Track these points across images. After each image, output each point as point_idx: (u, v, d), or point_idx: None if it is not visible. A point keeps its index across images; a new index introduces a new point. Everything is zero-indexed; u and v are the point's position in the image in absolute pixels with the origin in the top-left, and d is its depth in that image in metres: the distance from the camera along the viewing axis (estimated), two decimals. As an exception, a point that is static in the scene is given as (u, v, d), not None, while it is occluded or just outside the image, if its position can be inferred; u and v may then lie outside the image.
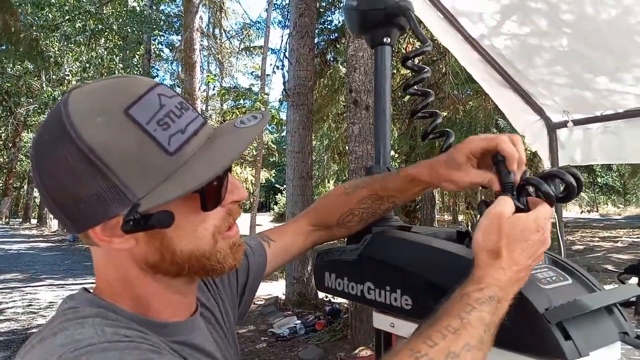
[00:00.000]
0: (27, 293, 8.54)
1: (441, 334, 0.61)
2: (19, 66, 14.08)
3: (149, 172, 0.60)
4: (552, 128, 2.53)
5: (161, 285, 0.68)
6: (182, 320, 0.73)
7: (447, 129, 1.01)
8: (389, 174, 0.97)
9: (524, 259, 0.70)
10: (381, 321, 0.95)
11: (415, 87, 1.07)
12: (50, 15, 11.84)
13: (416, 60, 1.09)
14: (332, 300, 6.88)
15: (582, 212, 28.19)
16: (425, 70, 1.04)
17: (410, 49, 7.59)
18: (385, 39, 1.09)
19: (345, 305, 6.18)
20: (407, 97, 8.65)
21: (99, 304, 0.65)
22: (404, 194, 0.95)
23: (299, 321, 6.22)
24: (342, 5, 8.95)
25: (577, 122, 2.42)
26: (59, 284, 9.28)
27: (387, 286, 0.91)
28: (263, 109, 7.84)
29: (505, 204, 0.72)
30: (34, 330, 6.39)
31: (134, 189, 0.59)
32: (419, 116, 1.07)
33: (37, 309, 7.46)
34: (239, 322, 0.96)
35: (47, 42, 12.38)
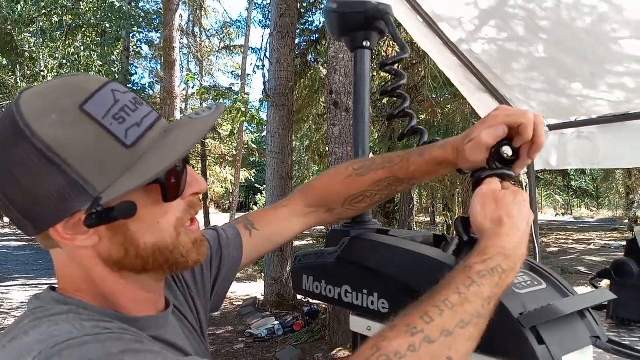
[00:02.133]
0: (-1, 293, 8.36)
1: (438, 309, 0.61)
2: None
3: (107, 166, 0.60)
4: (528, 132, 2.56)
5: (127, 282, 0.68)
6: (154, 315, 0.72)
7: (422, 127, 1.01)
8: (408, 154, 0.90)
9: (523, 224, 0.72)
10: (358, 324, 0.95)
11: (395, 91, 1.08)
12: (25, 9, 11.60)
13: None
14: (311, 301, 6.88)
15: (556, 214, 28.76)
16: (403, 75, 1.05)
17: (390, 52, 7.64)
18: (364, 43, 1.09)
19: (324, 306, 6.18)
20: (387, 99, 8.71)
21: (66, 301, 0.64)
22: (427, 176, 0.91)
23: (277, 322, 6.21)
24: (323, 6, 8.96)
25: (552, 127, 2.46)
26: (31, 284, 9.10)
27: (364, 289, 0.92)
28: (243, 109, 7.78)
29: (494, 183, 0.76)
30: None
31: (94, 183, 0.59)
32: (395, 117, 1.07)
33: (9, 309, 7.31)
34: (214, 312, 0.94)
35: (22, 37, 12.13)
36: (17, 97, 0.62)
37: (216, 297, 0.94)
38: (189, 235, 0.69)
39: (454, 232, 0.85)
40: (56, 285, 0.69)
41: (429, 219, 20.17)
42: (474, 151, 0.78)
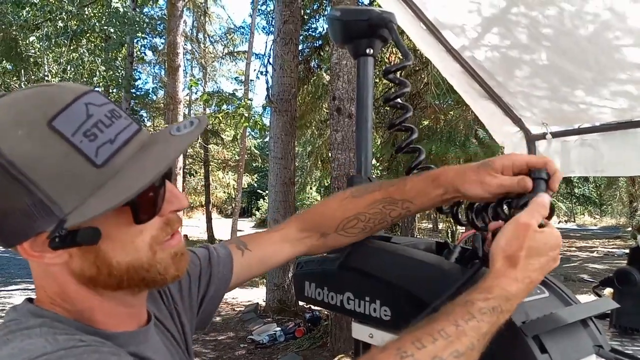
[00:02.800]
0: (0, 297, 8.35)
1: (432, 337, 0.60)
2: (-2, 66, 13.85)
3: (75, 186, 0.57)
4: (531, 140, 2.56)
5: (103, 297, 0.65)
6: (133, 331, 0.70)
7: (419, 147, 1.02)
8: (407, 177, 0.92)
9: (536, 274, 0.70)
10: (360, 331, 0.95)
11: (398, 99, 1.08)
12: (30, 14, 11.66)
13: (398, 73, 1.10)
14: (313, 307, 6.87)
15: (559, 222, 28.67)
16: (406, 84, 1.05)
17: (393, 59, 7.66)
18: (367, 50, 1.10)
19: (326, 312, 6.17)
20: (390, 107, 8.70)
21: (42, 314, 0.62)
22: (422, 198, 0.88)
23: (279, 328, 6.19)
24: (326, 13, 8.99)
25: (555, 135, 2.46)
26: (33, 288, 9.09)
27: (366, 297, 0.91)
28: (246, 114, 7.80)
29: (534, 215, 0.71)
30: (6, 336, 6.24)
31: (61, 203, 0.57)
32: (397, 129, 1.07)
33: (11, 314, 7.30)
34: (200, 330, 0.93)
35: (27, 42, 12.19)
36: None
37: (203, 314, 0.92)
38: (167, 251, 0.67)
39: (458, 239, 0.85)
40: (34, 297, 0.67)
41: (432, 226, 20.13)
42: (485, 167, 0.80)
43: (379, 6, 1.99)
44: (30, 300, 0.67)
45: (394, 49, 7.68)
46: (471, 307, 0.64)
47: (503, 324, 0.66)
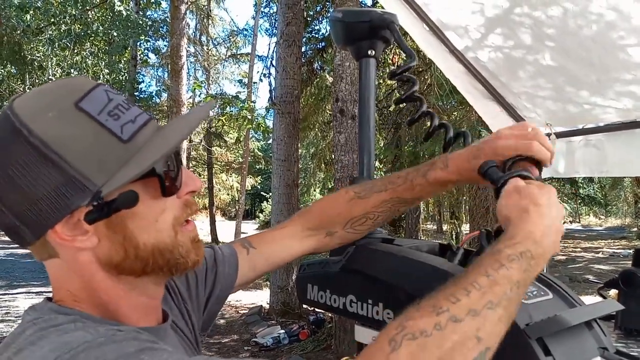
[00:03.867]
0: (4, 301, 8.38)
1: (465, 290, 0.60)
2: (2, 70, 13.91)
3: (105, 161, 0.60)
4: (535, 140, 2.55)
5: (127, 287, 0.67)
6: (155, 327, 0.72)
7: (430, 110, 1.00)
8: (410, 175, 0.92)
9: (553, 211, 0.71)
10: (363, 334, 0.95)
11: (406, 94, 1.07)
12: (34, 19, 11.72)
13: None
14: (317, 309, 6.86)
15: (564, 222, 28.52)
16: (415, 81, 1.04)
17: (397, 60, 7.65)
18: (370, 52, 1.09)
19: (330, 315, 6.16)
20: (393, 106, 8.71)
21: (67, 312, 0.63)
22: (430, 195, 0.95)
23: (283, 331, 6.19)
24: (329, 15, 8.98)
25: (559, 135, 2.45)
26: (37, 291, 9.12)
27: (369, 299, 0.91)
28: (249, 117, 7.81)
29: (517, 181, 0.75)
30: (11, 339, 6.26)
31: (93, 178, 0.59)
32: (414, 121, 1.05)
33: (16, 317, 7.32)
34: (203, 332, 0.93)
35: (32, 45, 12.24)
36: (9, 104, 0.63)
37: (208, 315, 0.92)
38: (186, 235, 0.69)
39: (461, 241, 0.85)
40: (49, 297, 0.68)
41: (436, 227, 20.10)
42: (477, 156, 0.83)
43: (382, 7, 1.99)
44: (49, 299, 0.67)
45: (397, 50, 7.68)
46: (499, 255, 0.64)
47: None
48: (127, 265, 0.65)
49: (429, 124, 1.01)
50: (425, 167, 0.91)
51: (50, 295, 0.69)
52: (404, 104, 1.07)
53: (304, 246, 1.00)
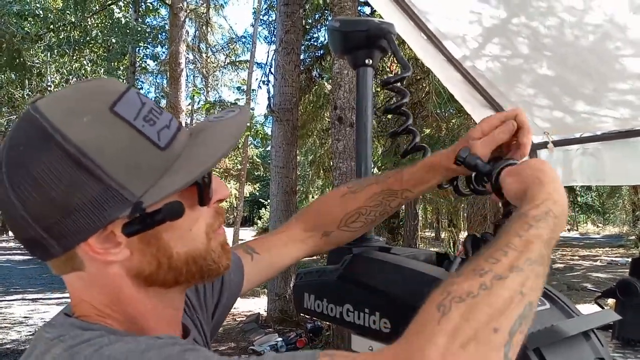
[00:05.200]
0: (0, 307, 8.34)
1: (502, 251, 0.60)
2: (1, 76, 13.92)
3: (143, 169, 0.57)
4: (532, 149, 2.56)
5: (154, 300, 0.64)
6: (186, 340, 0.69)
7: (424, 145, 1.03)
8: (402, 168, 0.94)
9: (557, 177, 0.73)
10: (359, 344, 0.94)
11: (396, 105, 1.08)
12: (34, 26, 11.75)
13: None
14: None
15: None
16: (406, 93, 1.05)
17: (394, 68, 7.68)
18: (367, 61, 1.10)
19: (327, 323, 6.14)
20: (391, 115, 8.73)
21: (91, 327, 0.59)
22: (421, 186, 0.93)
23: (280, 338, 6.16)
24: (326, 24, 9.03)
25: (557, 144, 2.45)
26: (34, 298, 9.08)
27: (366, 309, 0.91)
28: (248, 124, 7.81)
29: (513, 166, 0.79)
30: (8, 346, 6.23)
31: (131, 188, 0.56)
32: (398, 133, 1.08)
33: (11, 323, 7.28)
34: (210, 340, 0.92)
35: (31, 52, 12.26)
36: (31, 106, 0.57)
37: (213, 325, 0.91)
38: (218, 240, 0.67)
39: (459, 250, 0.85)
40: (67, 313, 0.64)
41: (434, 234, 20.09)
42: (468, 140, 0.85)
43: (380, 17, 2.00)
44: (67, 315, 0.63)
45: (395, 59, 7.71)
46: (525, 217, 0.65)
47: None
48: (160, 277, 0.62)
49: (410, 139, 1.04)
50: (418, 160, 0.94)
51: (55, 300, 0.67)
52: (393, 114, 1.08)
53: (303, 249, 0.99)
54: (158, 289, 0.64)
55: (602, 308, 1.58)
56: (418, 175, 0.91)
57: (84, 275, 0.60)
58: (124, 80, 14.25)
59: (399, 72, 1.06)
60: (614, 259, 14.34)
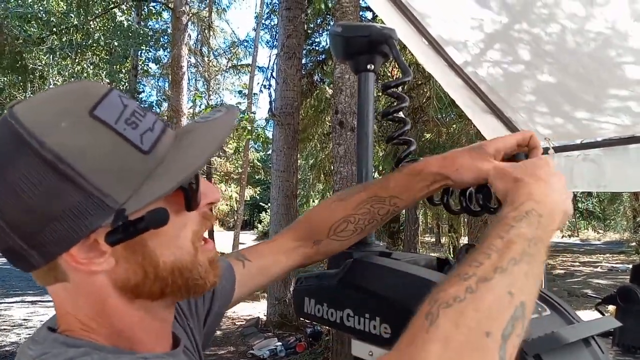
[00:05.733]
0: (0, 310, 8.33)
1: (485, 254, 0.59)
2: (3, 78, 13.96)
3: (126, 175, 0.54)
4: (533, 155, 2.56)
5: (141, 312, 0.62)
6: (172, 351, 0.68)
7: (410, 139, 1.03)
8: (389, 174, 0.93)
9: (545, 174, 0.71)
10: (360, 349, 0.94)
11: (396, 113, 1.08)
12: (36, 29, 11.79)
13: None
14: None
15: (562, 236, 28.51)
16: (405, 98, 1.05)
17: (395, 73, 7.68)
18: (368, 66, 1.10)
19: (327, 327, 6.12)
20: (396, 123, 8.72)
21: (76, 344, 0.57)
22: (407, 192, 0.89)
23: (280, 343, 6.15)
24: (329, 28, 9.05)
25: (558, 150, 2.46)
26: (32, 300, 9.07)
27: (366, 314, 0.90)
28: (249, 127, 7.83)
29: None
30: (7, 348, 6.22)
31: (113, 194, 0.53)
32: (394, 143, 1.08)
33: (10, 326, 7.28)
34: (202, 350, 0.91)
35: (33, 55, 12.30)
36: (9, 111, 0.55)
37: (205, 333, 0.89)
38: (205, 254, 0.65)
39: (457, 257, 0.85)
40: (51, 327, 0.62)
41: (434, 239, 20.07)
42: (478, 151, 0.82)
43: (382, 22, 2.00)
44: (50, 329, 0.61)
45: (396, 64, 7.72)
46: (504, 219, 0.64)
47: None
48: (146, 287, 0.60)
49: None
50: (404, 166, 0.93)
51: (43, 304, 0.66)
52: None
53: (294, 258, 0.98)
54: (144, 301, 0.62)
55: (603, 315, 1.58)
56: (403, 181, 0.89)
57: (69, 287, 0.58)
58: (126, 84, 14.29)
59: (400, 77, 1.06)
60: (614, 265, 14.32)
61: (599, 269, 13.83)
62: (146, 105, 17.42)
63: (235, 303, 0.95)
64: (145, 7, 15.00)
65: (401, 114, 1.08)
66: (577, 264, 15.27)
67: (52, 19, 11.68)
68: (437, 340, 0.50)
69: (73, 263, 0.55)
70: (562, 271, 13.30)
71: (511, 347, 0.52)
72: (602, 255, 17.60)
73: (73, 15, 12.37)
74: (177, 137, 0.62)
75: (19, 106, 0.55)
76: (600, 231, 28.88)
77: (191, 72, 16.98)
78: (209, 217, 0.66)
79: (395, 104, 1.07)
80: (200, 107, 18.03)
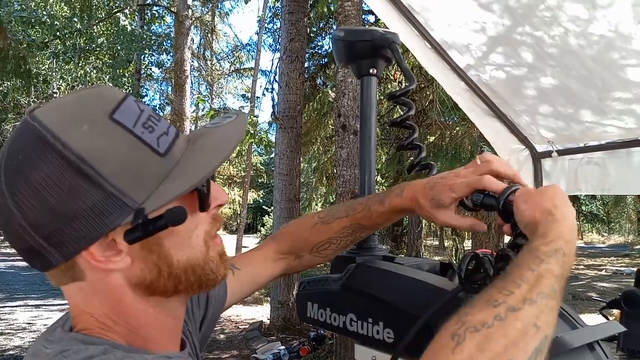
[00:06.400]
0: (4, 314, 8.34)
1: (515, 283, 0.60)
2: (7, 83, 14.02)
3: (144, 176, 0.57)
4: (537, 157, 2.55)
5: (156, 309, 0.64)
6: (183, 351, 0.71)
7: (431, 162, 1.02)
8: (370, 201, 0.95)
9: (570, 212, 0.71)
10: (362, 354, 0.94)
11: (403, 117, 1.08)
12: (40, 33, 11.84)
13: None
14: (317, 325, 6.80)
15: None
16: (411, 106, 1.05)
17: (398, 76, 7.69)
18: (371, 70, 1.10)
19: (330, 331, 6.11)
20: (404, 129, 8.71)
21: (93, 341, 0.58)
22: (389, 221, 0.97)
23: (283, 347, 6.14)
24: (332, 31, 9.06)
25: (561, 153, 2.45)
26: (36, 304, 9.08)
27: (369, 318, 0.90)
28: (252, 131, 7.84)
29: (527, 187, 0.78)
30: (11, 352, 6.23)
31: (132, 194, 0.56)
32: (405, 149, 1.07)
33: (15, 330, 7.29)
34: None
35: (37, 59, 12.35)
36: (30, 115, 0.57)
37: (200, 337, 0.90)
38: (215, 249, 0.67)
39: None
40: (65, 327, 0.63)
41: (438, 243, 20.02)
42: (436, 203, 0.84)
43: (385, 26, 2.00)
44: (65, 328, 0.62)
45: (399, 69, 7.71)
46: (537, 252, 0.65)
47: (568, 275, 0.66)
48: (160, 285, 0.62)
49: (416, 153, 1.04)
50: (383, 194, 0.94)
51: (58, 307, 0.66)
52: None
53: (276, 269, 1.03)
54: (159, 298, 0.64)
55: (607, 319, 1.57)
56: (386, 216, 0.93)
57: (85, 286, 0.60)
58: (130, 88, 14.34)
59: (404, 83, 1.06)
60: (619, 268, 14.25)
61: (603, 272, 13.77)
62: (149, 109, 17.46)
63: (225, 309, 0.99)
64: (148, 12, 15.05)
65: (410, 121, 1.08)
66: (582, 267, 15.21)
67: (55, 23, 11.72)
68: None
69: (92, 261, 0.57)
70: (566, 274, 13.24)
71: None
72: (606, 259, 17.52)
73: (76, 20, 12.41)
74: (190, 141, 0.64)
75: (40, 110, 0.57)
76: (604, 234, 28.77)
77: (194, 76, 17.04)
78: (218, 218, 0.69)
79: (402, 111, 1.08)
80: (203, 110, 18.08)
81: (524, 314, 0.56)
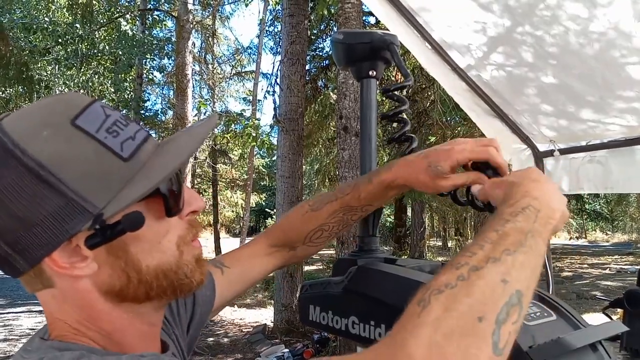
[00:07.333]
0: (7, 320, 8.36)
1: (478, 245, 0.60)
2: (9, 89, 14.07)
3: (105, 181, 0.56)
4: (539, 157, 2.55)
5: (129, 315, 0.63)
6: (162, 355, 0.69)
7: (412, 135, 1.04)
8: (358, 182, 0.95)
9: (541, 177, 0.72)
10: (365, 356, 0.93)
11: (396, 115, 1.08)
12: (42, 39, 11.89)
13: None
14: (321, 327, 6.79)
15: (570, 238, 28.35)
16: (404, 101, 1.06)
17: (399, 78, 7.69)
18: (370, 72, 1.10)
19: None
20: (396, 124, 8.73)
21: (69, 347, 0.58)
22: (379, 200, 0.96)
23: (287, 350, 6.12)
24: (330, 35, 9.08)
25: (563, 152, 2.45)
26: (40, 310, 9.06)
27: (371, 321, 0.90)
28: (254, 134, 7.85)
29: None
30: (15, 358, 6.24)
31: (93, 200, 0.55)
32: (396, 142, 1.08)
33: (19, 335, 7.30)
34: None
35: (39, 65, 12.39)
36: None
37: (188, 339, 0.90)
38: (192, 252, 0.66)
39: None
40: (43, 336, 0.63)
41: (441, 243, 20.00)
42: (434, 171, 0.84)
43: (385, 28, 2.00)
44: (42, 338, 0.62)
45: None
46: (501, 215, 0.65)
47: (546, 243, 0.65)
48: (130, 291, 0.61)
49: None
50: (372, 172, 0.95)
51: (36, 331, 0.65)
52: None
53: (271, 263, 1.03)
54: (131, 305, 0.63)
55: (611, 318, 1.56)
56: (375, 191, 0.92)
57: (56, 292, 0.60)
58: (132, 93, 14.37)
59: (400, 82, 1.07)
60: (623, 266, 14.21)
61: (607, 271, 13.72)
62: (152, 114, 17.52)
63: (217, 310, 0.97)
64: (149, 16, 15.10)
65: (403, 115, 1.08)
66: (585, 265, 15.16)
67: (57, 29, 11.77)
68: (427, 324, 0.51)
69: (56, 268, 0.57)
70: (570, 273, 13.21)
71: (506, 333, 0.53)
72: (610, 257, 17.47)
73: (78, 26, 12.45)
74: (159, 145, 0.64)
75: (7, 118, 0.58)
76: (608, 232, 28.70)
77: (195, 80, 17.05)
78: (195, 224, 0.68)
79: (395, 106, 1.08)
80: (205, 114, 18.09)
81: (487, 272, 0.56)
